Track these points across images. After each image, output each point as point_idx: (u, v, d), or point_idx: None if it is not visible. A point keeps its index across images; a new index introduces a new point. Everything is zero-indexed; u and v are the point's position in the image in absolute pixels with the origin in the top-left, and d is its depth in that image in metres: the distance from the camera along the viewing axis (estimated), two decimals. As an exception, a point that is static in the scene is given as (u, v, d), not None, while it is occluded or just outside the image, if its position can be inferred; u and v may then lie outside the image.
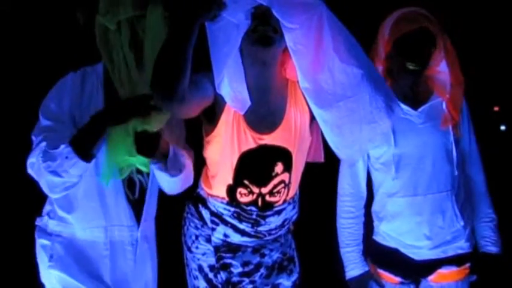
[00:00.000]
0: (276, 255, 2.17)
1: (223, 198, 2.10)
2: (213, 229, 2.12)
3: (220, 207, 2.11)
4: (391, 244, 2.30)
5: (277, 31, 1.92)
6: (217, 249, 2.12)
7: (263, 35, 1.92)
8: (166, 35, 1.85)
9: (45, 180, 1.97)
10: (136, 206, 2.12)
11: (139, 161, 2.02)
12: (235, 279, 2.11)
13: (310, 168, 2.18)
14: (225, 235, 2.12)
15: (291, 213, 2.18)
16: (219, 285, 2.12)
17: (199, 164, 2.20)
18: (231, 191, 2.07)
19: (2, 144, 3.15)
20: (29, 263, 2.14)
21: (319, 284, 2.91)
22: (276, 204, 2.10)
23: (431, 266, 2.27)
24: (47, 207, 2.14)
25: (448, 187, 2.23)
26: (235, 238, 2.12)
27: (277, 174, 2.06)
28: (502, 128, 3.90)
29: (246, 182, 2.05)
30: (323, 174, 2.38)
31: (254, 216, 2.09)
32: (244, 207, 2.08)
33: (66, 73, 2.11)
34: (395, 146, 2.21)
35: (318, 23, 1.90)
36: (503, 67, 3.56)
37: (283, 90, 2.07)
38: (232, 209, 2.09)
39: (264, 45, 1.94)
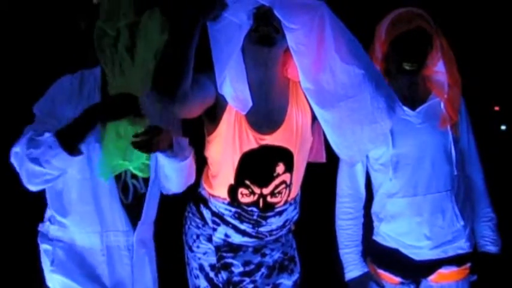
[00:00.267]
0: (277, 255, 2.17)
1: (224, 198, 2.10)
2: (214, 229, 2.13)
3: (221, 207, 2.11)
4: (391, 244, 2.30)
5: (279, 31, 1.92)
6: (218, 249, 2.13)
7: (265, 35, 1.93)
8: (168, 36, 1.85)
9: (25, 169, 1.93)
10: (132, 211, 2.10)
11: (134, 165, 2.02)
12: (236, 278, 2.11)
13: (311, 167, 2.19)
14: (226, 235, 2.12)
15: (292, 213, 2.18)
16: (220, 285, 2.13)
17: (200, 164, 2.20)
18: (233, 191, 2.07)
19: (2, 144, 3.14)
20: (36, 267, 2.15)
21: (319, 284, 2.91)
22: (277, 205, 2.11)
23: (431, 266, 2.27)
24: (48, 213, 2.14)
25: (447, 187, 2.23)
26: (236, 238, 2.12)
27: (278, 175, 2.06)
28: (503, 128, 3.89)
29: (247, 182, 2.05)
30: (324, 173, 2.38)
31: (255, 217, 2.10)
32: (246, 207, 2.08)
33: (64, 74, 2.10)
34: (394, 146, 2.21)
35: (320, 23, 1.90)
36: (503, 67, 3.55)
37: (284, 91, 2.07)
38: (233, 210, 2.10)
39: (266, 45, 1.94)
